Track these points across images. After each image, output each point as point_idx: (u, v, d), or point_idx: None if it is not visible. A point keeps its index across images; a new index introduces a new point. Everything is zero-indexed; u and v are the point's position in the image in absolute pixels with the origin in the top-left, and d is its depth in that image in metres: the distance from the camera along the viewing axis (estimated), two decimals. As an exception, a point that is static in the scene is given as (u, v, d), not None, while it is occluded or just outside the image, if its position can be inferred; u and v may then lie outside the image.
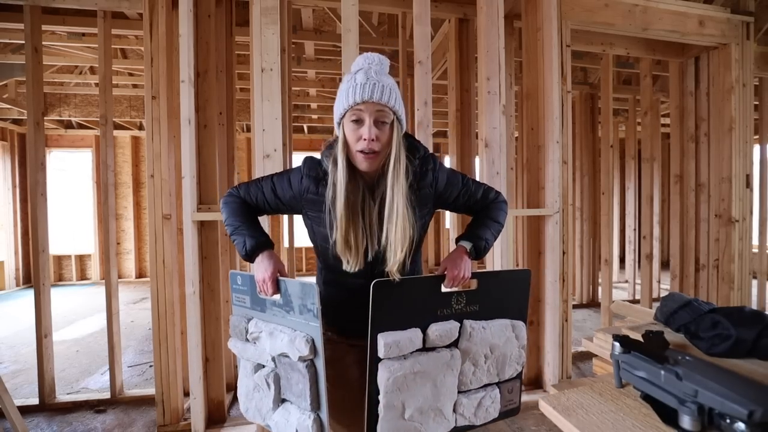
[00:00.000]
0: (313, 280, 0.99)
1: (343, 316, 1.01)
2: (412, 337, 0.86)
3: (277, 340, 0.88)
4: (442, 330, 0.89)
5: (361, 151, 0.87)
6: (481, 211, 1.05)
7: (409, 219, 0.89)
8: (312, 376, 0.86)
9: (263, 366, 0.95)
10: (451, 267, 0.93)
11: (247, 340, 0.96)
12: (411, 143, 0.96)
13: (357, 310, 0.92)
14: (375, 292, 0.83)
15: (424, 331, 0.88)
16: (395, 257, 0.88)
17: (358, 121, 0.87)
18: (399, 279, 0.87)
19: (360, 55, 0.92)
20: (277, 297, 0.91)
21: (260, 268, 0.91)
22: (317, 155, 0.98)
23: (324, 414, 0.87)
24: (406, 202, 0.89)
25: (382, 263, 0.91)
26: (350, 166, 0.90)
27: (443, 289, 0.91)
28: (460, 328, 0.92)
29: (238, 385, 1.01)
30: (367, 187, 0.93)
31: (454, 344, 0.92)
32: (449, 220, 3.78)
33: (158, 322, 1.96)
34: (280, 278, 0.90)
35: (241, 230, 0.95)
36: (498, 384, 1.00)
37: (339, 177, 0.88)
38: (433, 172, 0.97)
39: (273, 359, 0.91)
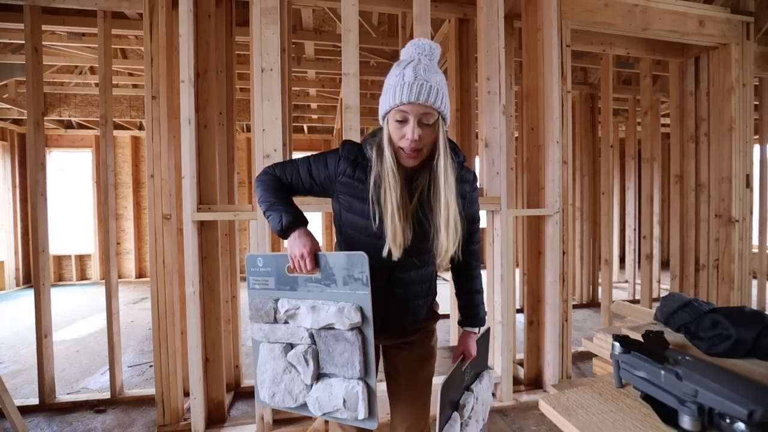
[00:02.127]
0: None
1: None
2: (457, 421, 0.96)
3: (322, 312, 0.88)
4: (469, 405, 0.99)
5: (403, 149, 0.88)
6: (471, 282, 1.11)
7: (460, 213, 0.92)
8: (361, 343, 0.86)
9: (292, 346, 0.93)
10: (468, 353, 1.07)
11: (275, 320, 0.94)
12: (453, 146, 0.97)
13: (375, 310, 0.94)
14: (443, 395, 0.90)
15: (455, 409, 0.99)
16: (447, 252, 0.91)
17: (403, 121, 0.87)
18: (458, 372, 0.98)
19: (411, 41, 0.90)
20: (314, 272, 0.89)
21: (297, 243, 0.89)
22: (355, 140, 1.00)
23: (372, 381, 0.86)
24: (456, 198, 0.91)
25: (407, 257, 0.93)
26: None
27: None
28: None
29: (258, 372, 0.97)
30: (405, 182, 0.93)
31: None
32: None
33: (158, 322, 1.96)
34: (319, 253, 0.88)
35: (277, 206, 0.94)
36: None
37: (387, 169, 0.88)
38: (469, 185, 1.00)
39: (311, 335, 0.90)
